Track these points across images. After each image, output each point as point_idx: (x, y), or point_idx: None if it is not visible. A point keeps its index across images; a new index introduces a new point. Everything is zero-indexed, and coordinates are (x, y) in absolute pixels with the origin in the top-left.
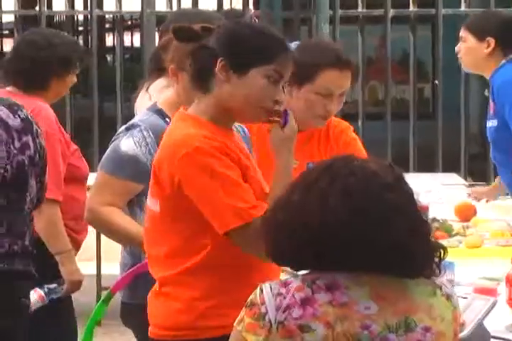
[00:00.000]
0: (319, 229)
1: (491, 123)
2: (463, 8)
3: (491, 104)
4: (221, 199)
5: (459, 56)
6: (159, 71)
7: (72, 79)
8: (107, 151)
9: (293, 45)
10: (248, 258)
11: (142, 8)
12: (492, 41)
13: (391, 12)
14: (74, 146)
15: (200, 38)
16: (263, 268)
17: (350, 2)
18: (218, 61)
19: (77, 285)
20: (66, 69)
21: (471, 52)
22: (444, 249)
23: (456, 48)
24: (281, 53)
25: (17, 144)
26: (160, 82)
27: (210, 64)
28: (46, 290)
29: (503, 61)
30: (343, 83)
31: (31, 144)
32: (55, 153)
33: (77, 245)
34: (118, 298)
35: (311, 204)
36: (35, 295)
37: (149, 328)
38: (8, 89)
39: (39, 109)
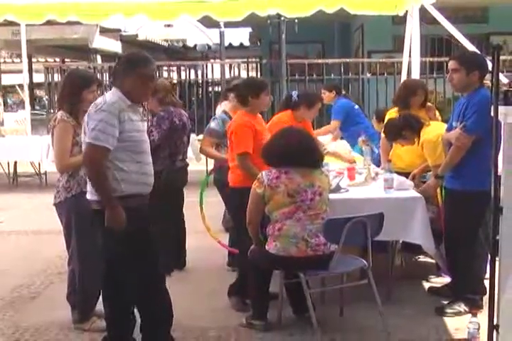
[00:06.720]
0: (282, 153)
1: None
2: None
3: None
4: (235, 140)
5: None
6: (225, 97)
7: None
8: (206, 128)
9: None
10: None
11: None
12: (334, 92)
13: (308, 77)
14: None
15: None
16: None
17: (295, 71)
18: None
19: None
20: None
21: (327, 97)
22: (323, 157)
23: (322, 96)
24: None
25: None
26: (227, 102)
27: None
28: None
29: (336, 99)
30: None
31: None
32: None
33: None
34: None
35: (279, 143)
36: None
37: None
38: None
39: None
